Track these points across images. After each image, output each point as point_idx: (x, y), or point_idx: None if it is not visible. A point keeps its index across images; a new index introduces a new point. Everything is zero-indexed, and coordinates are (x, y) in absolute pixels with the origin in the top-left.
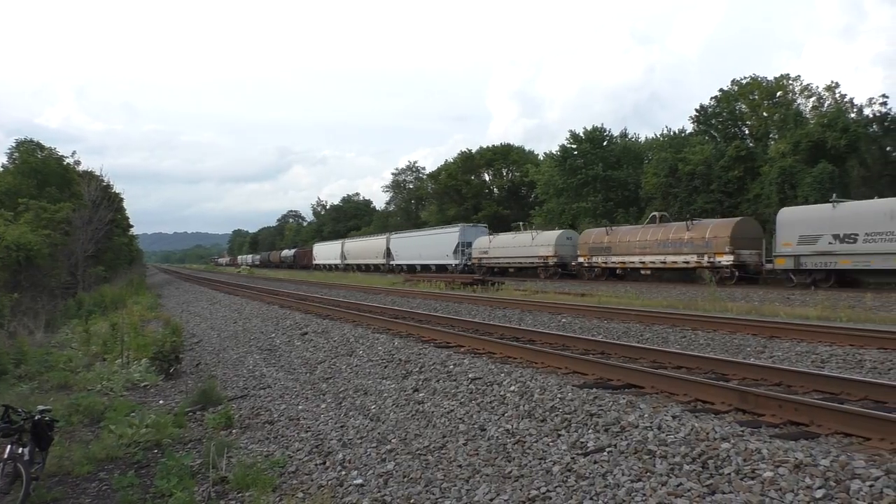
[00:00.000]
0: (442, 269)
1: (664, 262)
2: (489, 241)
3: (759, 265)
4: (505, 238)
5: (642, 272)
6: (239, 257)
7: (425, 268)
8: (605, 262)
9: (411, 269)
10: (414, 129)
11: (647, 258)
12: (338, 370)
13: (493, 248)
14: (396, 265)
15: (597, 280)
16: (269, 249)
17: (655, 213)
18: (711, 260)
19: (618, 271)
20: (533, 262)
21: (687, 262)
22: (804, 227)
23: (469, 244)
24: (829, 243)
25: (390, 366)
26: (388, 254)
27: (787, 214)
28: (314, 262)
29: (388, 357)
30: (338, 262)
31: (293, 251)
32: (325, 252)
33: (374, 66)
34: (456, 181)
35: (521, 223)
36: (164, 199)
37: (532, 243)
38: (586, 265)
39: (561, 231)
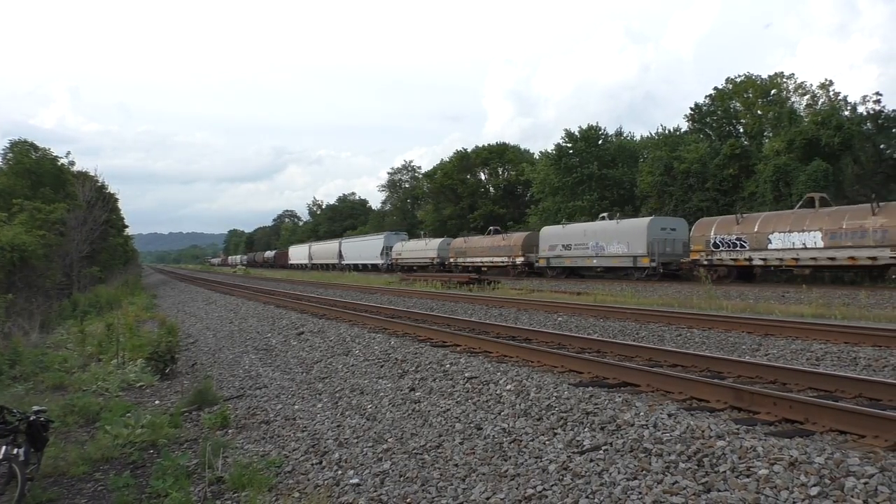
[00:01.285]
0: (375, 267)
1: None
2: (402, 246)
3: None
4: (410, 244)
5: (482, 269)
6: (229, 258)
7: (365, 266)
8: (463, 262)
9: (355, 267)
10: (410, 129)
11: (479, 259)
12: (334, 370)
13: (404, 251)
14: (345, 264)
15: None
16: (265, 249)
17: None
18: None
19: (470, 269)
20: (426, 262)
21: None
22: (550, 240)
23: (390, 248)
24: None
25: (387, 365)
26: (340, 255)
27: (544, 231)
28: (289, 262)
29: (385, 356)
30: (306, 261)
31: (273, 252)
32: (298, 253)
33: (370, 66)
34: (452, 180)
35: (422, 232)
36: (160, 200)
37: (425, 248)
38: (454, 264)
39: (442, 239)
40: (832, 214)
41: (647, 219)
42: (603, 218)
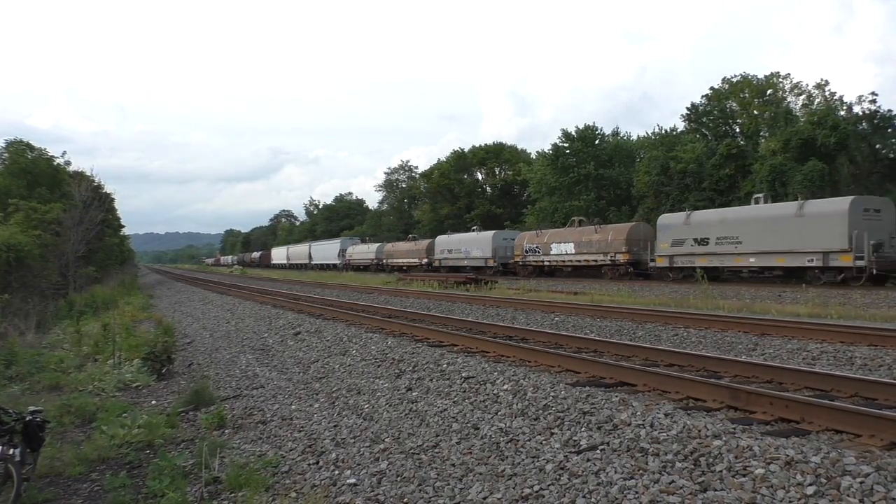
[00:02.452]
0: (334, 266)
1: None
2: (353, 249)
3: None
4: (359, 247)
5: (404, 268)
6: (222, 258)
7: (326, 265)
8: (391, 262)
9: (320, 266)
10: (407, 129)
11: (401, 260)
12: (331, 369)
13: (354, 253)
14: (314, 264)
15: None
16: (263, 249)
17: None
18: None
19: (395, 267)
20: (368, 262)
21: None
22: (445, 245)
23: (345, 250)
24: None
25: (384, 365)
26: (310, 256)
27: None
28: (272, 262)
29: (382, 356)
30: (284, 262)
31: (259, 254)
32: (278, 254)
33: (367, 66)
34: (449, 180)
35: (367, 237)
36: (156, 200)
37: (367, 250)
38: (385, 263)
39: (379, 244)
40: (580, 232)
41: (492, 232)
42: (474, 229)
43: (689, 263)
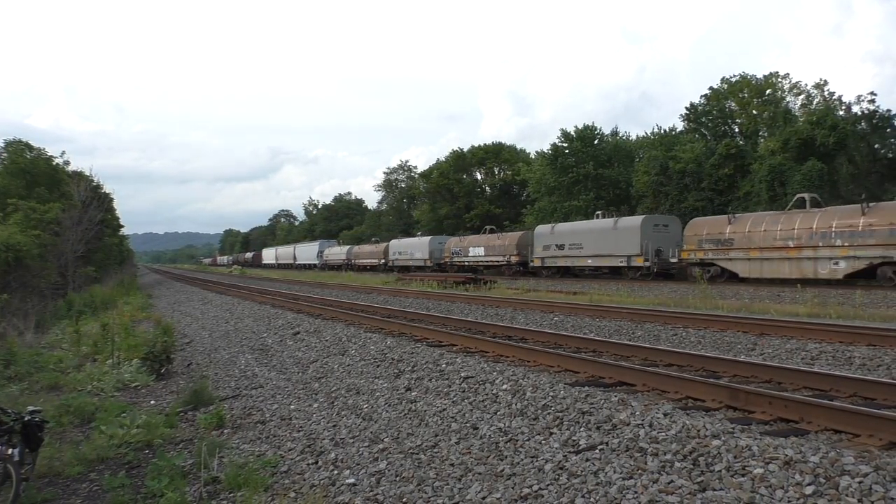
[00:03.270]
0: (314, 265)
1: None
2: (329, 250)
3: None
4: (333, 249)
5: (367, 267)
6: (218, 258)
7: (306, 265)
8: (357, 262)
9: (304, 266)
10: (406, 129)
11: (364, 260)
12: (330, 369)
13: (329, 254)
14: (298, 264)
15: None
16: (261, 248)
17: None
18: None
19: (361, 266)
20: (340, 262)
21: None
22: (397, 248)
23: (322, 252)
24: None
25: (383, 365)
26: (294, 256)
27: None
28: (263, 262)
29: (381, 356)
30: (273, 262)
31: (251, 254)
32: (268, 255)
33: (366, 66)
34: (448, 180)
35: (338, 241)
36: (155, 200)
37: (339, 251)
38: (354, 263)
39: (349, 246)
40: (488, 238)
41: (429, 237)
42: (418, 234)
43: (553, 263)
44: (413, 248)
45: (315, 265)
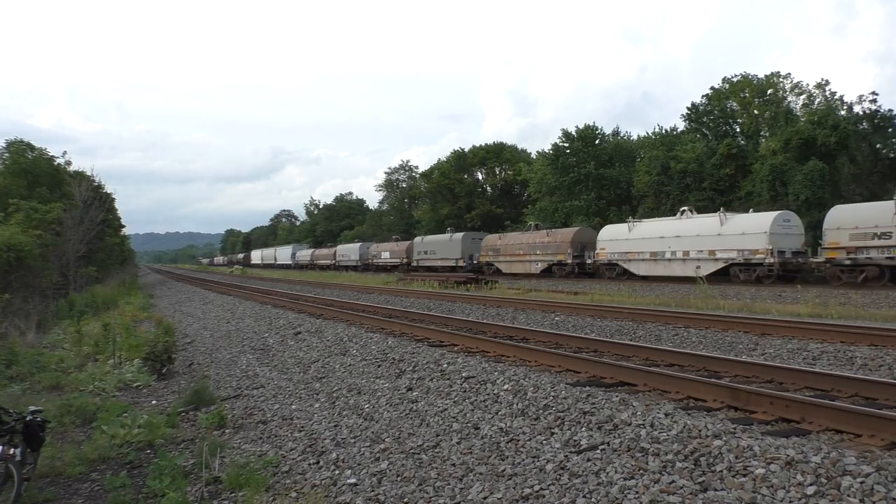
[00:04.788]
0: (288, 266)
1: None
2: (299, 252)
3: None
4: (303, 251)
5: (324, 266)
6: (215, 258)
7: (282, 265)
8: (319, 262)
9: (282, 266)
10: (408, 129)
11: (325, 261)
12: (331, 369)
13: (299, 255)
14: (279, 263)
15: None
16: (262, 248)
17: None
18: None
19: (323, 266)
20: (307, 262)
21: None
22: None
23: (295, 254)
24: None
25: (384, 365)
26: (275, 258)
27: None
28: (252, 262)
29: (382, 356)
30: (260, 262)
31: (243, 255)
32: (255, 256)
33: (368, 66)
34: (449, 180)
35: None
36: (157, 199)
37: (307, 253)
38: (317, 263)
39: (313, 249)
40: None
41: (359, 244)
42: (356, 241)
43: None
44: (349, 252)
45: (289, 265)
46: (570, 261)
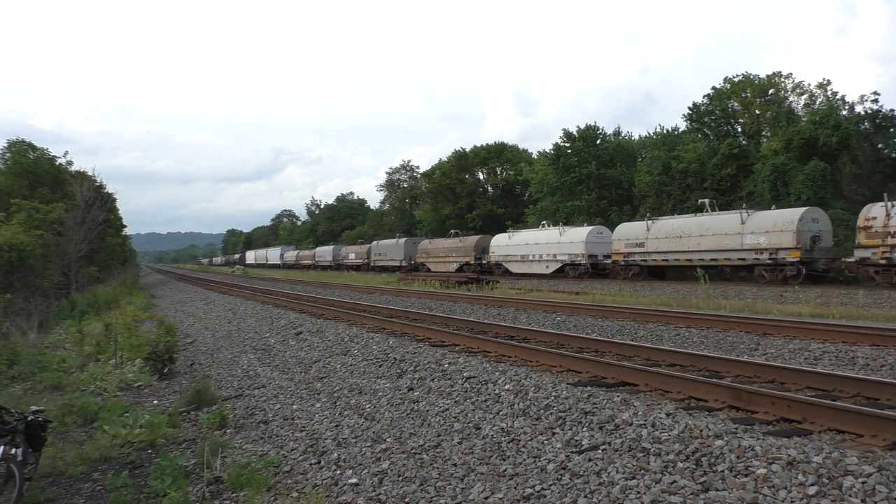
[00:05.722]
0: (276, 266)
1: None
2: (286, 253)
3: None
4: (289, 252)
5: (305, 265)
6: (213, 259)
7: (272, 265)
8: (300, 262)
9: (272, 265)
10: (409, 129)
11: (307, 260)
12: (332, 369)
13: (286, 256)
14: (269, 263)
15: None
16: (255, 249)
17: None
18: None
19: (300, 266)
20: (293, 262)
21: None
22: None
23: (284, 254)
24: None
25: (385, 365)
26: (266, 258)
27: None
28: (246, 262)
29: (383, 356)
30: (253, 261)
31: (238, 255)
32: (249, 256)
33: (371, 67)
34: (450, 180)
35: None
36: (158, 200)
37: (293, 254)
38: (298, 263)
39: (298, 251)
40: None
41: (332, 246)
42: (331, 244)
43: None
44: (325, 253)
45: (279, 264)
46: (472, 262)
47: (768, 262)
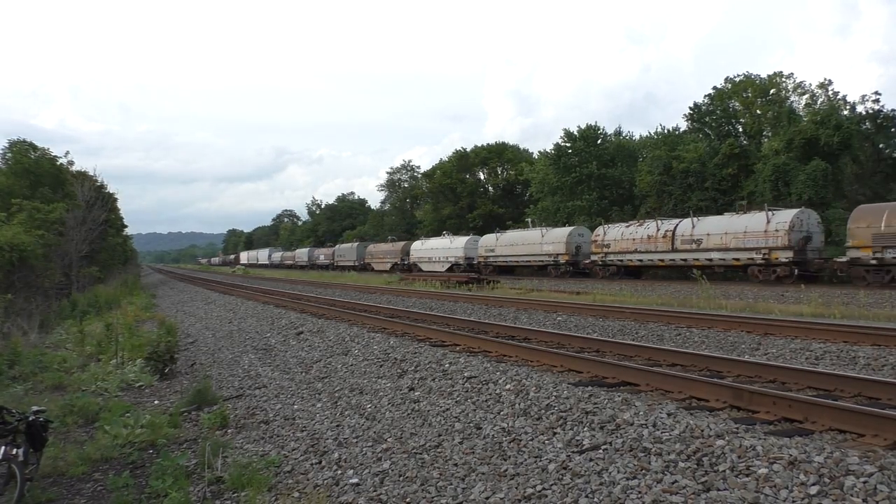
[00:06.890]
0: (266, 265)
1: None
2: (274, 254)
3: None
4: (276, 252)
5: (290, 264)
6: (212, 259)
7: (262, 265)
8: (291, 262)
9: (262, 265)
10: (410, 129)
11: (297, 261)
12: (333, 369)
13: (274, 257)
14: (260, 264)
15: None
16: (265, 247)
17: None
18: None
19: (285, 266)
20: (279, 262)
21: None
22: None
23: (272, 255)
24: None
25: (386, 365)
26: (257, 258)
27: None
28: (240, 262)
29: (384, 356)
30: (247, 262)
31: (233, 255)
32: (243, 256)
33: (371, 66)
34: (451, 180)
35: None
36: (159, 199)
37: (280, 255)
38: (282, 263)
39: (282, 252)
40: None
41: (308, 248)
42: (306, 246)
43: (281, 264)
44: (302, 255)
45: (267, 264)
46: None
47: (552, 263)
